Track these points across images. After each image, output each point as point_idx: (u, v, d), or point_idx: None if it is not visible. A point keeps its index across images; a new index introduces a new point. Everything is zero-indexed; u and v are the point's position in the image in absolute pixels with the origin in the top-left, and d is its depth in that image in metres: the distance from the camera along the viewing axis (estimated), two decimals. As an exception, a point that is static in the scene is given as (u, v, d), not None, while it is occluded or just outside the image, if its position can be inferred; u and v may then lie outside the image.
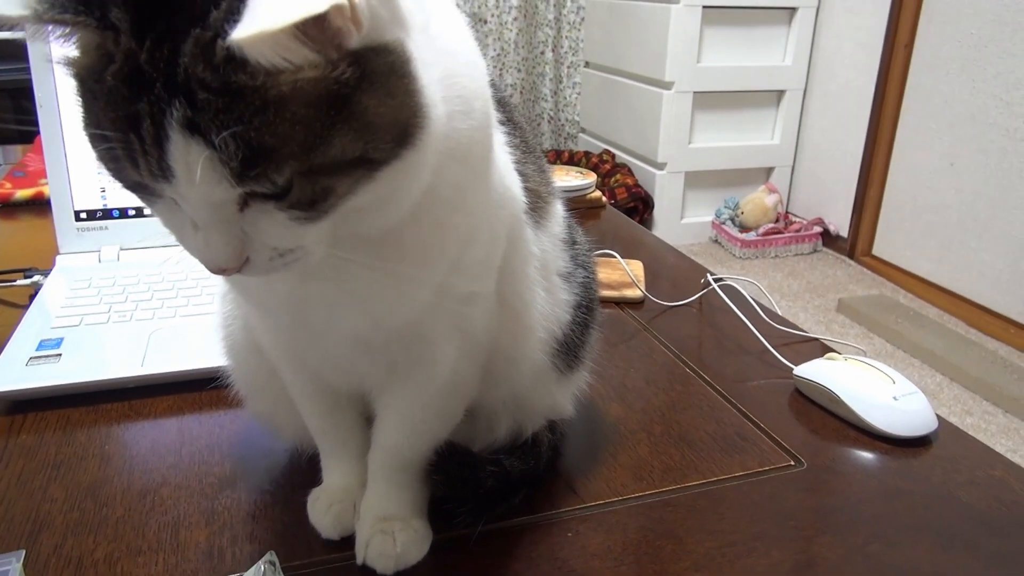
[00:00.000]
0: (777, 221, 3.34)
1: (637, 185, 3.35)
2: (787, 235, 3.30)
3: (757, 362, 0.85)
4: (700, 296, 0.99)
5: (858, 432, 0.71)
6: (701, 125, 3.32)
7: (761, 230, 3.29)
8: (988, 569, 0.56)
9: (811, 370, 0.77)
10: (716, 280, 0.99)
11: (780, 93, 3.37)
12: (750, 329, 0.89)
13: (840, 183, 3.27)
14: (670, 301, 0.98)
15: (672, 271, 1.13)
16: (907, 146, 2.98)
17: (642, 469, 0.66)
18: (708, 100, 3.27)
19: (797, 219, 3.41)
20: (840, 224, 3.30)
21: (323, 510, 0.56)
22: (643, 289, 1.00)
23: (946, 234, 2.83)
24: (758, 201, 3.34)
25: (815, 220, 3.37)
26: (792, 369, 0.79)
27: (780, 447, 0.69)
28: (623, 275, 1.01)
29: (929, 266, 2.92)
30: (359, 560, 0.53)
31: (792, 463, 0.67)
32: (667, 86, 3.19)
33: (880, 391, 0.71)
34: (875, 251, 3.18)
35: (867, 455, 0.69)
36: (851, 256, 3.25)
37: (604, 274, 1.02)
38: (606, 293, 0.99)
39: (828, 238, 3.34)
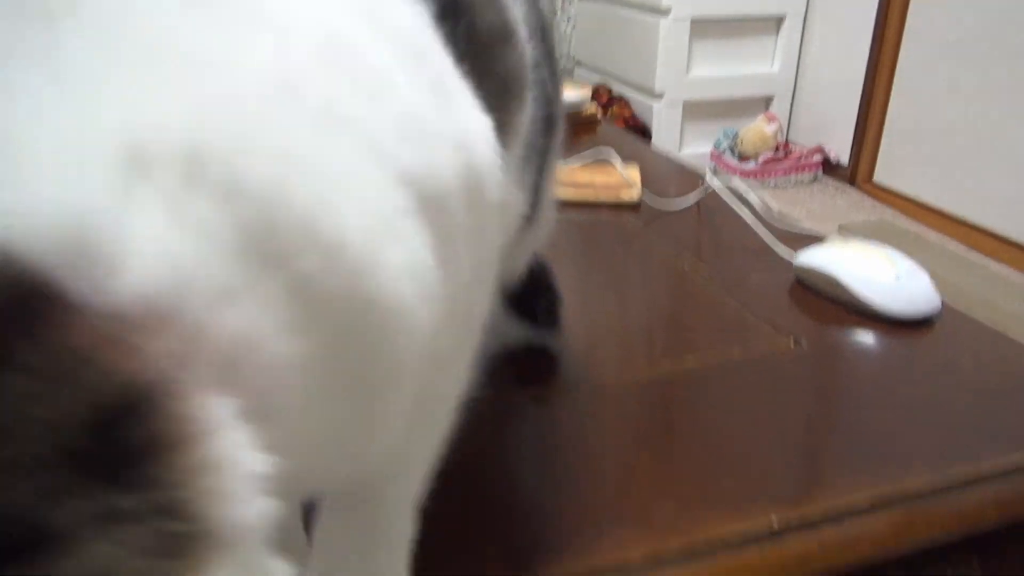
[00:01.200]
0: (777, 150, 3.30)
1: (634, 117, 3.30)
2: (787, 164, 3.26)
3: (757, 259, 0.83)
4: (699, 200, 0.97)
5: (860, 316, 0.70)
6: (699, 54, 3.25)
7: (761, 159, 3.24)
8: (992, 444, 0.55)
9: (810, 256, 0.75)
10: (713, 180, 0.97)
11: (779, 19, 3.29)
12: (749, 228, 0.87)
13: (841, 110, 3.22)
14: (668, 205, 0.96)
15: (670, 176, 1.11)
16: (909, 70, 2.92)
17: (637, 354, 0.65)
18: (706, 28, 3.20)
19: (797, 147, 3.36)
20: (841, 152, 3.25)
21: None
22: (639, 192, 0.97)
23: (948, 158, 2.80)
24: (757, 130, 3.29)
25: (815, 148, 3.32)
26: (792, 264, 0.78)
27: (780, 332, 0.68)
28: (619, 178, 0.99)
29: (931, 191, 2.89)
30: None
31: (792, 346, 0.66)
32: (664, 12, 3.12)
33: (881, 271, 0.70)
34: (876, 178, 3.14)
35: (869, 336, 0.67)
36: (852, 184, 3.21)
37: (600, 178, 1.00)
38: (602, 197, 0.97)
39: (828, 166, 3.30)
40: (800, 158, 3.28)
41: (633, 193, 0.97)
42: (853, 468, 0.51)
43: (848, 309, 0.71)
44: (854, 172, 3.20)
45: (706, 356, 0.64)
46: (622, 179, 0.99)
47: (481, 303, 0.38)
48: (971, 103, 2.67)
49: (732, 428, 0.55)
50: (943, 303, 0.71)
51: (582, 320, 0.69)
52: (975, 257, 2.61)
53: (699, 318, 0.71)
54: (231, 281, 0.21)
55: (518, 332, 0.65)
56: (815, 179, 3.30)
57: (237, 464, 0.19)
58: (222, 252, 0.21)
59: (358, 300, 0.25)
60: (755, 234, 0.86)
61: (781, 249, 0.82)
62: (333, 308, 0.24)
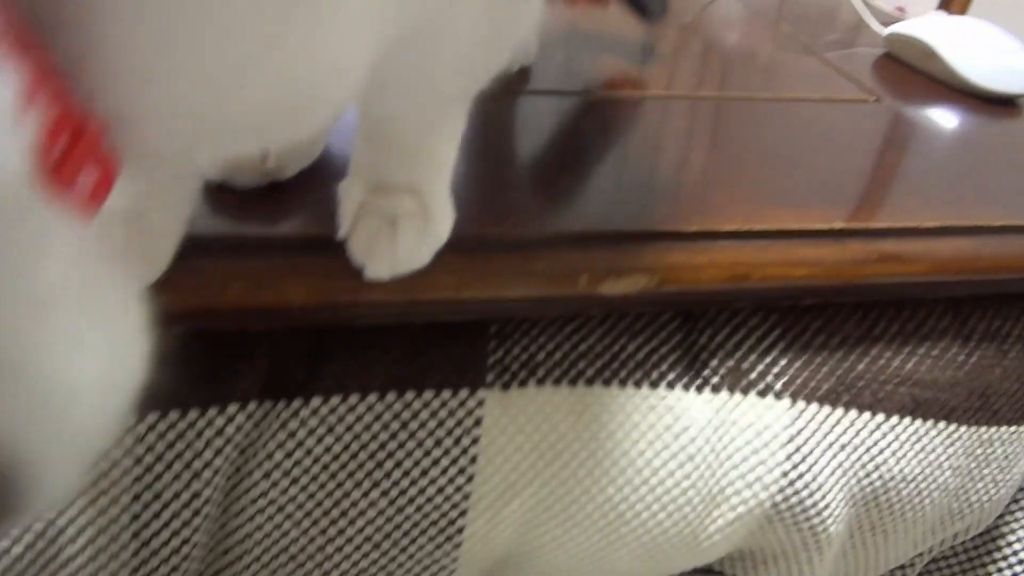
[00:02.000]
0: None
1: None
2: None
3: (848, 30, 0.78)
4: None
5: (951, 90, 0.65)
6: None
7: None
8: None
9: (905, 26, 0.69)
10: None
11: None
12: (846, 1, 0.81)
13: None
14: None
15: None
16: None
17: (713, 80, 0.61)
18: None
19: None
20: None
21: None
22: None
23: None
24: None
25: None
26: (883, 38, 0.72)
27: (862, 88, 0.63)
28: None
29: None
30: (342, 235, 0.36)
31: (868, 98, 0.62)
32: None
33: (981, 44, 0.65)
34: None
35: (956, 108, 0.63)
36: None
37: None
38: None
39: None
40: None
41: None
42: (925, 196, 0.48)
43: (937, 81, 0.66)
44: None
45: (783, 92, 0.60)
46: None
47: None
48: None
49: (803, 152, 0.52)
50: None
51: (674, 46, 0.66)
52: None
53: (783, 67, 0.67)
54: None
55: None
56: None
57: None
58: None
59: None
60: (850, 5, 0.80)
61: (875, 25, 0.76)
62: None
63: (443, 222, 0.37)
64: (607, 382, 0.41)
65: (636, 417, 0.40)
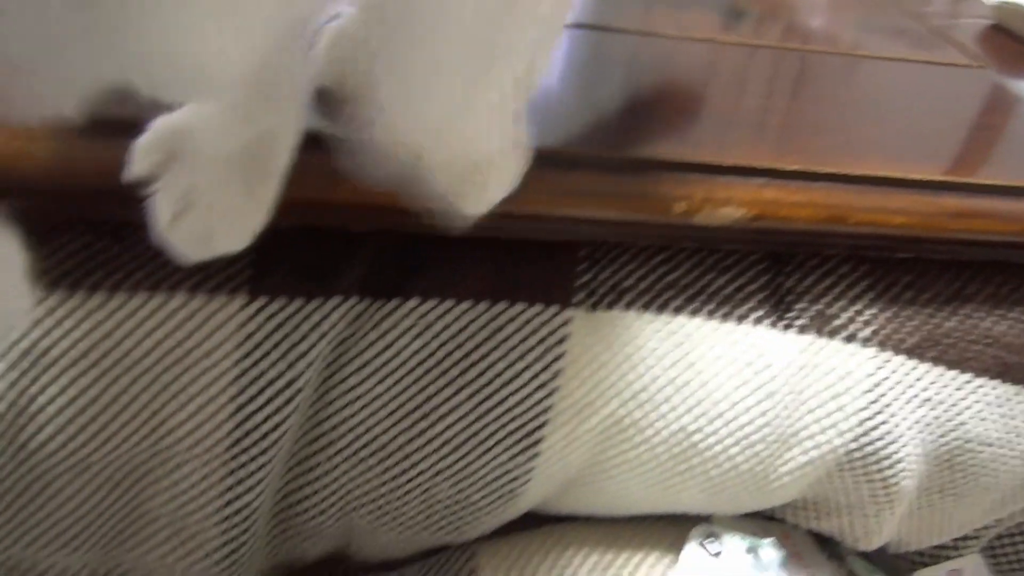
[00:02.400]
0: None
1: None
2: None
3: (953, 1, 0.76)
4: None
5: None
6: None
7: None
8: None
9: (1020, -4, 0.67)
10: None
11: None
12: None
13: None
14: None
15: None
16: None
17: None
18: None
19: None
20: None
21: None
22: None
23: None
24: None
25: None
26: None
27: (966, 53, 0.62)
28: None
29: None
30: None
31: (972, 63, 0.60)
32: None
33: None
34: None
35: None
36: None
37: None
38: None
39: None
40: None
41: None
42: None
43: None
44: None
45: (885, 52, 0.59)
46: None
47: None
48: None
49: (903, 109, 0.52)
50: None
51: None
52: None
53: (886, 30, 0.66)
54: None
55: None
56: None
57: None
58: None
59: None
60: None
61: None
62: None
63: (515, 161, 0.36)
64: (694, 312, 0.41)
65: (719, 350, 0.41)
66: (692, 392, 0.40)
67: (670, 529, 0.46)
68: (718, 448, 0.41)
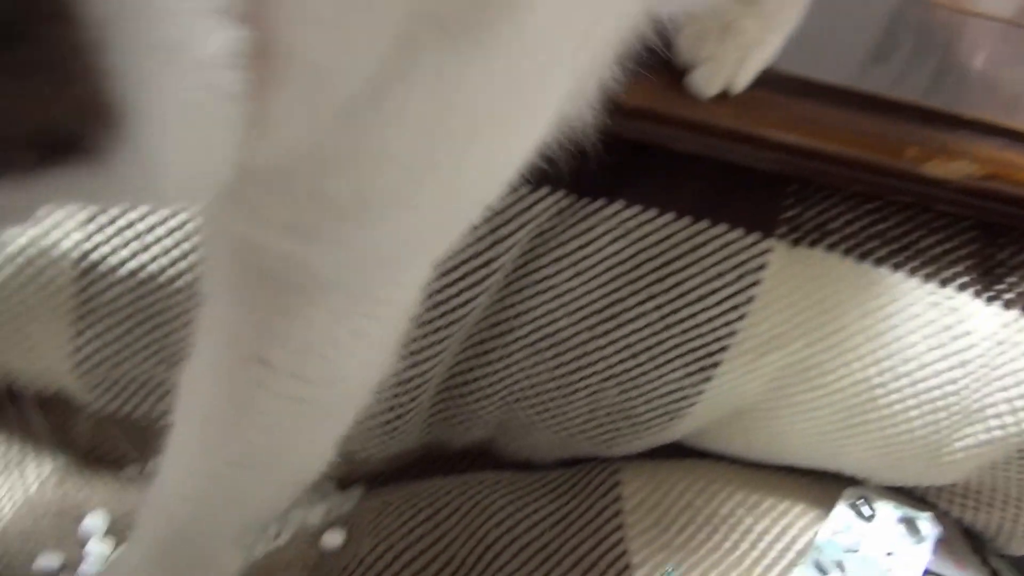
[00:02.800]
0: None
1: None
2: None
3: None
4: None
5: None
6: None
7: None
8: None
9: None
10: None
11: None
12: None
13: None
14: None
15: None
16: None
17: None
18: None
19: None
20: None
21: None
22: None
23: None
24: None
25: None
26: None
27: None
28: None
29: None
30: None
31: None
32: None
33: None
34: None
35: None
36: None
37: None
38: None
39: None
40: None
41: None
42: None
43: None
44: None
45: None
46: None
47: None
48: None
49: None
50: None
51: None
52: None
53: None
54: None
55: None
56: None
57: None
58: None
59: None
60: None
61: None
62: None
63: (771, 46, 0.37)
64: (896, 267, 0.40)
65: (917, 308, 0.39)
66: (883, 345, 0.39)
67: (815, 486, 0.45)
68: (898, 407, 0.40)
